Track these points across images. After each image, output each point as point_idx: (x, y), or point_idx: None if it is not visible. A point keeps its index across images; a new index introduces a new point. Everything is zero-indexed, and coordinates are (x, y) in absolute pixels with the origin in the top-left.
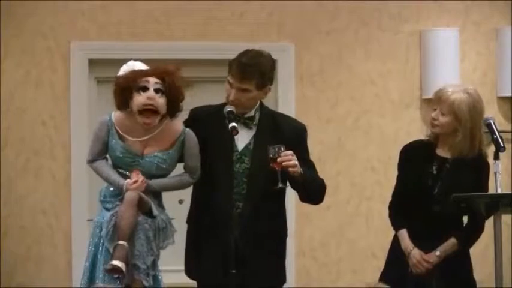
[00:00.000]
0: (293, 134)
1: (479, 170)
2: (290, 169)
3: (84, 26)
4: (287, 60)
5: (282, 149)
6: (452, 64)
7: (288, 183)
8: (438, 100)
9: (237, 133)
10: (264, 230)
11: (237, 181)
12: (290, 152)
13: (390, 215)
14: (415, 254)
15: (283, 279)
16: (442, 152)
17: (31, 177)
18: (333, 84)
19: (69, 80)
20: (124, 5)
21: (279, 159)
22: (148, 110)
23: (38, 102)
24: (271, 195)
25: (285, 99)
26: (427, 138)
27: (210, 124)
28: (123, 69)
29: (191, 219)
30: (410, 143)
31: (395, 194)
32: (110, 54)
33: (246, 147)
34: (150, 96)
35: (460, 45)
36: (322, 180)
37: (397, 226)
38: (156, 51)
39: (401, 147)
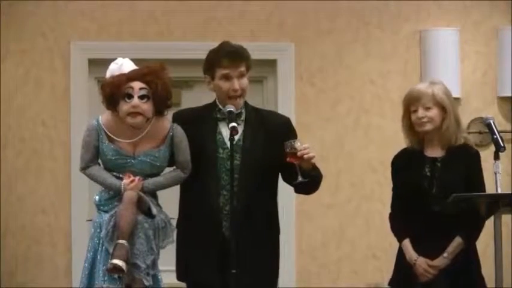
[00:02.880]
0: (282, 127)
1: (470, 160)
2: (312, 161)
3: (84, 26)
4: (287, 59)
5: (299, 143)
6: (452, 64)
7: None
8: (416, 100)
9: (237, 133)
10: (257, 226)
11: (229, 178)
12: (307, 144)
13: (392, 227)
14: (420, 263)
15: (276, 277)
16: (430, 152)
17: (31, 177)
18: (332, 84)
19: (69, 80)
20: (124, 5)
21: (299, 153)
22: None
23: (38, 102)
24: (263, 190)
25: (285, 98)
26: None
27: (194, 126)
28: (112, 69)
29: (182, 223)
30: (398, 152)
31: (394, 205)
32: (110, 54)
33: (236, 143)
34: (134, 104)
35: (460, 45)
36: (320, 170)
37: (399, 237)
38: (156, 51)
39: (401, 148)
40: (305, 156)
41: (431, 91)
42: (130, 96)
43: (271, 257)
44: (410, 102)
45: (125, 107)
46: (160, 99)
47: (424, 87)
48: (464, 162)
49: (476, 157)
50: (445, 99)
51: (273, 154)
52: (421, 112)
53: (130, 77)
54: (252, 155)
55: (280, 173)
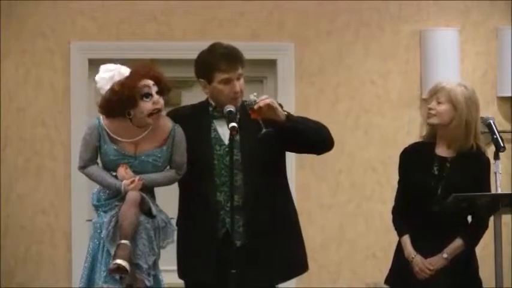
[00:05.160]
0: None
1: (479, 166)
2: (273, 105)
3: (84, 26)
4: (287, 59)
5: (256, 98)
6: (452, 64)
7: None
8: (434, 92)
9: (237, 133)
10: (267, 219)
11: (228, 174)
12: (265, 96)
13: (394, 221)
14: (417, 261)
15: (294, 270)
16: (441, 151)
17: (31, 177)
18: (332, 84)
19: (69, 80)
20: (124, 5)
21: (255, 106)
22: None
23: (38, 102)
24: (268, 183)
25: (285, 98)
26: (422, 139)
27: (188, 123)
28: (108, 75)
29: (182, 222)
30: (408, 146)
31: (398, 199)
32: (110, 54)
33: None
34: (155, 101)
35: (460, 45)
36: (318, 122)
37: (400, 232)
38: (156, 51)
39: (401, 147)
40: (261, 104)
41: (449, 88)
42: (148, 95)
43: (284, 248)
44: (431, 95)
45: (147, 105)
46: (166, 93)
47: (447, 83)
48: (473, 166)
49: (486, 163)
50: (461, 100)
51: (270, 145)
52: (432, 104)
53: (143, 75)
54: (251, 149)
55: (289, 151)
